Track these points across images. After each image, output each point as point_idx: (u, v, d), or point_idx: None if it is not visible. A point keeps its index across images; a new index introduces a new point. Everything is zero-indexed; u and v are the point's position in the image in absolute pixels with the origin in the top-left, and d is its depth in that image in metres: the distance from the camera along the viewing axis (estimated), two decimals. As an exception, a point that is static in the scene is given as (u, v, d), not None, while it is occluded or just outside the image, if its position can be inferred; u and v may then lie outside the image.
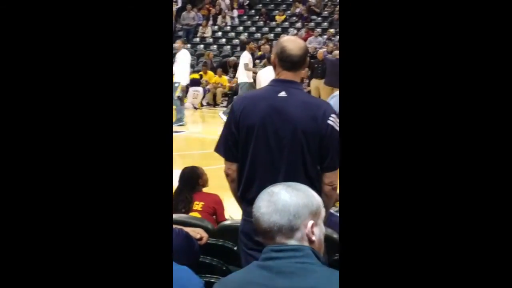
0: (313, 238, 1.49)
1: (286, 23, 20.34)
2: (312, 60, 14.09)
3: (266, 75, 9.28)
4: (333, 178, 2.50)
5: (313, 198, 1.54)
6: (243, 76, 11.42)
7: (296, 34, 18.81)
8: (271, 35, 19.20)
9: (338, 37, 17.66)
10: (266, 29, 19.93)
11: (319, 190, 2.46)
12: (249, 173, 2.49)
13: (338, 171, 2.51)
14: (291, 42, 2.53)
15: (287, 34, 18.77)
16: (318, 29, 19.02)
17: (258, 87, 9.60)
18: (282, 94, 2.46)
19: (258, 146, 2.46)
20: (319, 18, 20.17)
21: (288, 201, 1.48)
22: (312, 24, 19.77)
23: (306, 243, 1.47)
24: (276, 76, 2.55)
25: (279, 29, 20.01)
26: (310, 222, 1.49)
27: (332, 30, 18.54)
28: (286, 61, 2.49)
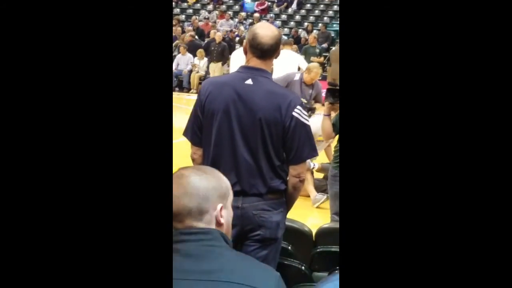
0: (222, 220, 1.48)
1: (198, 4, 20.17)
2: (210, 42, 13.62)
3: (238, 57, 9.22)
4: (300, 170, 2.45)
5: (222, 180, 1.53)
6: None
7: (208, 18, 18.75)
8: (183, 17, 18.96)
9: (250, 21, 17.90)
10: (177, 10, 19.63)
11: (285, 181, 2.46)
12: (214, 159, 2.42)
13: (305, 163, 2.50)
14: (264, 30, 2.45)
15: (198, 16, 18.65)
16: (230, 12, 19.00)
17: (230, 68, 9.34)
18: (249, 81, 2.40)
19: (221, 132, 2.40)
20: (231, 1, 20.14)
21: (197, 183, 1.46)
22: (223, 7, 19.71)
23: (214, 226, 1.47)
24: (246, 62, 2.48)
25: (190, 10, 19.80)
26: (219, 205, 1.48)
27: (243, 14, 18.58)
28: (256, 49, 2.42)
